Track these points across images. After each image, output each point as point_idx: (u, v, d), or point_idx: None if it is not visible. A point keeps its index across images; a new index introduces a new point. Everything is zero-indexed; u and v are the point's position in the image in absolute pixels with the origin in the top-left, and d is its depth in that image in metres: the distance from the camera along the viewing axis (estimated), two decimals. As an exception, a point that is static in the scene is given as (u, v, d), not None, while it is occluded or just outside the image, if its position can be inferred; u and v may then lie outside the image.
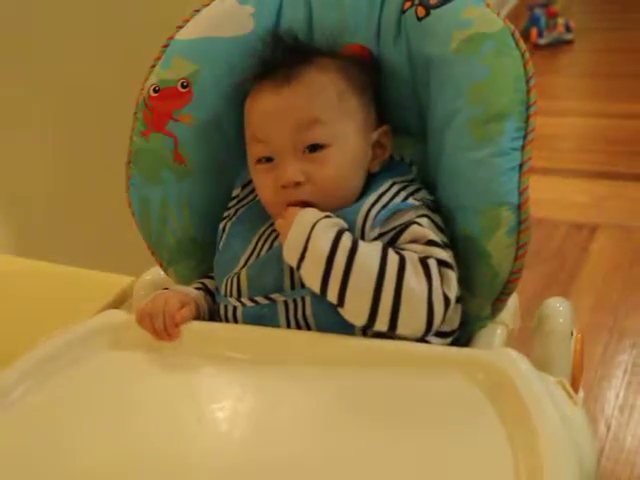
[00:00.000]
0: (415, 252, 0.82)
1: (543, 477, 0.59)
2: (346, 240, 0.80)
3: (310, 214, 0.84)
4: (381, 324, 0.79)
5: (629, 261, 1.98)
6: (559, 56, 3.52)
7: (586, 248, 2.05)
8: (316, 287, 0.81)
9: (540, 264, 1.94)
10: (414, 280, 0.79)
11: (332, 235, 0.81)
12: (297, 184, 0.87)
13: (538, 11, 3.70)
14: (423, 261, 0.80)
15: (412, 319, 0.79)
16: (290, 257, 0.83)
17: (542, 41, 3.59)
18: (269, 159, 0.90)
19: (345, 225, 0.84)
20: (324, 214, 0.84)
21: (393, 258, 0.79)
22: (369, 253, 0.80)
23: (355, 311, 0.80)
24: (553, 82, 3.09)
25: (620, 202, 2.25)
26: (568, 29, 3.66)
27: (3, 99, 1.44)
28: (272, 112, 0.89)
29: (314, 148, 0.88)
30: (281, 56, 0.92)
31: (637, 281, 1.89)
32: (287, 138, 0.88)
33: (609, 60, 3.42)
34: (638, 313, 1.77)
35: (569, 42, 3.64)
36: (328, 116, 0.88)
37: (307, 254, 0.81)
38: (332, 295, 0.80)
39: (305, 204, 0.87)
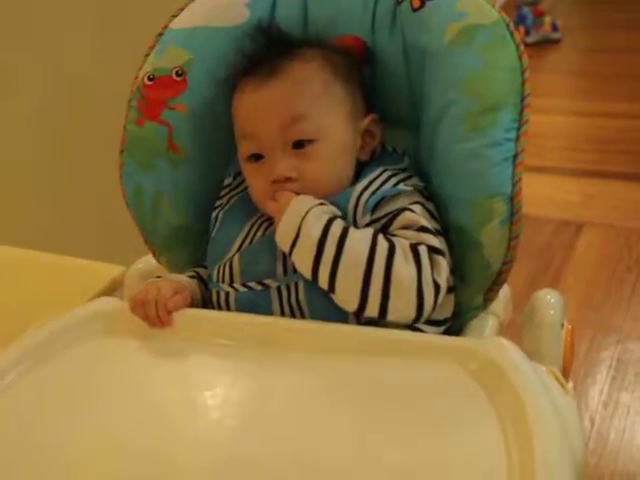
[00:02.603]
0: (406, 238, 0.83)
1: (535, 465, 0.59)
2: (336, 227, 0.81)
3: (304, 201, 0.85)
4: (371, 310, 0.80)
5: (615, 259, 1.99)
6: (546, 55, 3.53)
7: (573, 245, 2.06)
8: (307, 273, 0.82)
9: (527, 260, 1.95)
10: (403, 266, 0.79)
11: (323, 222, 0.81)
12: (287, 179, 0.88)
13: (525, 10, 3.71)
14: (413, 247, 0.81)
15: (402, 305, 0.80)
16: (282, 243, 0.84)
17: (529, 40, 3.59)
18: (258, 156, 0.90)
19: (338, 212, 0.85)
20: (318, 201, 0.85)
21: (383, 244, 0.80)
22: (359, 240, 0.80)
23: (345, 297, 0.81)
24: (540, 80, 3.09)
25: (607, 200, 2.26)
26: (555, 28, 3.66)
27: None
28: (257, 108, 0.90)
29: (301, 144, 0.88)
30: (265, 50, 0.93)
31: (622, 278, 1.91)
32: (274, 134, 0.88)
33: (596, 59, 3.43)
34: (623, 310, 1.78)
35: (556, 41, 3.65)
36: (314, 109, 0.89)
37: (298, 241, 0.82)
38: (323, 281, 0.81)
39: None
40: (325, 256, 0.80)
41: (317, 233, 0.81)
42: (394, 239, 0.82)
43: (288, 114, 0.88)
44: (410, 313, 0.80)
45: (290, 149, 0.88)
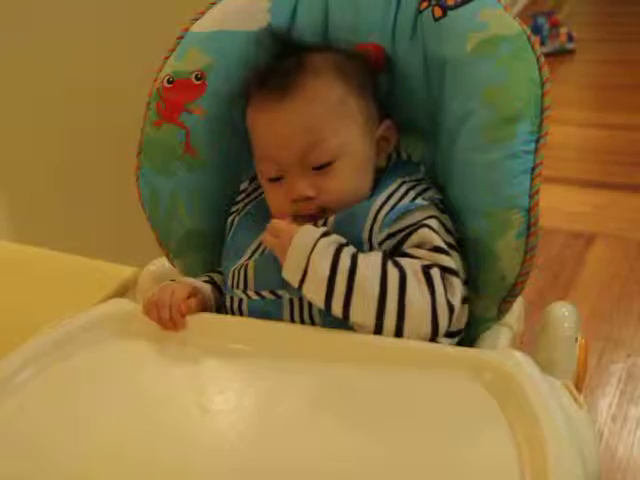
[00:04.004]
0: (419, 258, 0.83)
1: (548, 478, 0.59)
2: (345, 259, 0.80)
3: (307, 235, 0.83)
4: (387, 335, 0.80)
5: (626, 271, 1.98)
6: (560, 65, 3.52)
7: (583, 257, 2.05)
8: (320, 306, 0.81)
9: (537, 272, 1.93)
10: (417, 293, 0.79)
11: (331, 257, 0.80)
12: (308, 198, 0.88)
13: (541, 20, 3.71)
14: (426, 271, 0.81)
15: (417, 331, 0.80)
16: (290, 279, 0.82)
17: (544, 50, 3.59)
18: (278, 178, 0.91)
19: (343, 240, 0.83)
20: (321, 231, 0.83)
21: (393, 273, 0.80)
22: (369, 270, 0.80)
23: (361, 326, 0.81)
24: (554, 91, 3.09)
25: (618, 212, 2.25)
26: (570, 39, 3.66)
27: (6, 80, 1.44)
28: (274, 134, 0.90)
29: (320, 166, 0.89)
30: (275, 59, 0.93)
31: (633, 291, 1.89)
32: (293, 159, 0.88)
33: (610, 71, 3.42)
34: (633, 323, 1.77)
35: (571, 52, 3.64)
36: (330, 130, 0.89)
37: (307, 278, 0.81)
38: (336, 313, 0.80)
39: (318, 213, 0.89)
40: (337, 292, 0.79)
41: (326, 271, 0.79)
42: (404, 263, 0.81)
43: (305, 142, 0.88)
44: (425, 336, 0.80)
45: (309, 171, 0.89)
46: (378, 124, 0.95)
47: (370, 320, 0.79)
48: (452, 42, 0.90)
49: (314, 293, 0.81)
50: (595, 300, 1.87)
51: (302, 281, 0.81)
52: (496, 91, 0.87)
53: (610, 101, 3.09)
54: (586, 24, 4.07)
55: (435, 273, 0.81)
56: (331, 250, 0.81)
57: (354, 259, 0.80)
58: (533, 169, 0.86)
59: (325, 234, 0.83)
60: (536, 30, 3.66)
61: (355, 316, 0.79)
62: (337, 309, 0.80)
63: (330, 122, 0.89)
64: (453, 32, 0.90)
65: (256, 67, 0.94)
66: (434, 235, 0.85)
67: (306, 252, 0.81)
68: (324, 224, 0.87)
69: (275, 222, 0.85)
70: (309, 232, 0.83)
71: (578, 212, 2.27)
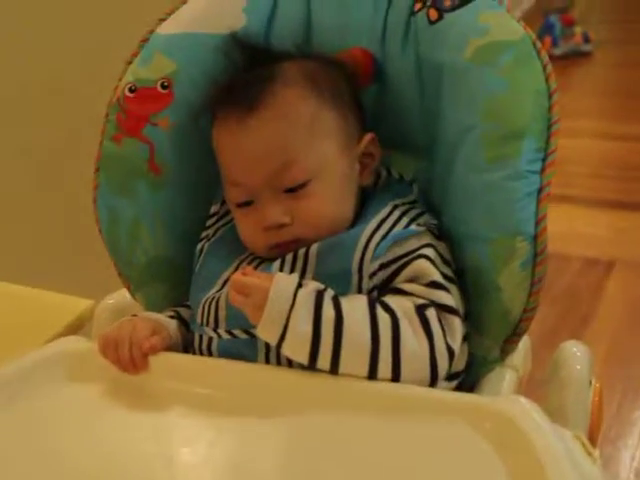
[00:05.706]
0: (413, 295, 0.83)
1: None
2: (328, 310, 0.80)
3: (283, 289, 0.80)
4: None
5: (649, 303, 1.99)
6: (575, 70, 3.54)
7: (601, 287, 2.05)
8: (302, 363, 0.80)
9: (549, 304, 1.94)
10: (413, 341, 0.80)
11: (312, 311, 0.79)
12: (282, 225, 0.89)
13: (553, 18, 3.73)
14: (421, 313, 0.82)
15: (414, 379, 0.80)
16: (267, 339, 0.81)
17: (556, 51, 3.60)
18: (248, 202, 0.91)
19: (321, 286, 0.83)
20: (296, 281, 0.81)
21: (384, 320, 0.80)
22: (357, 319, 0.80)
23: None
24: (567, 99, 3.07)
25: (639, 235, 2.26)
26: (586, 40, 3.68)
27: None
28: (241, 156, 0.90)
29: (294, 188, 0.89)
30: (241, 70, 0.94)
31: (657, 328, 1.90)
32: (262, 182, 0.89)
33: (630, 76, 3.44)
34: (657, 365, 1.78)
35: (587, 54, 3.66)
36: (302, 149, 0.89)
37: (287, 336, 0.79)
38: (323, 368, 0.80)
39: (293, 242, 0.89)
40: (323, 348, 0.78)
41: (309, 328, 0.79)
42: (395, 306, 0.81)
43: (275, 163, 0.88)
44: (423, 384, 0.80)
45: (281, 193, 0.89)
46: (359, 138, 0.95)
47: (362, 373, 0.79)
48: (449, 48, 0.91)
49: (297, 352, 0.80)
50: (614, 337, 1.87)
51: (281, 339, 0.80)
52: (498, 104, 0.87)
53: (631, 110, 3.10)
54: (604, 22, 4.10)
55: (432, 315, 0.82)
56: (311, 303, 0.80)
57: (338, 308, 0.80)
58: (540, 191, 0.86)
59: (300, 285, 0.82)
60: (547, 29, 3.68)
61: (345, 370, 0.79)
62: (324, 365, 0.79)
63: (302, 140, 0.89)
64: (450, 37, 0.91)
65: (220, 80, 0.95)
66: (431, 267, 0.85)
67: (285, 309, 0.79)
68: (305, 255, 0.87)
69: (237, 277, 0.82)
70: (285, 285, 0.81)
71: (594, 235, 2.28)
